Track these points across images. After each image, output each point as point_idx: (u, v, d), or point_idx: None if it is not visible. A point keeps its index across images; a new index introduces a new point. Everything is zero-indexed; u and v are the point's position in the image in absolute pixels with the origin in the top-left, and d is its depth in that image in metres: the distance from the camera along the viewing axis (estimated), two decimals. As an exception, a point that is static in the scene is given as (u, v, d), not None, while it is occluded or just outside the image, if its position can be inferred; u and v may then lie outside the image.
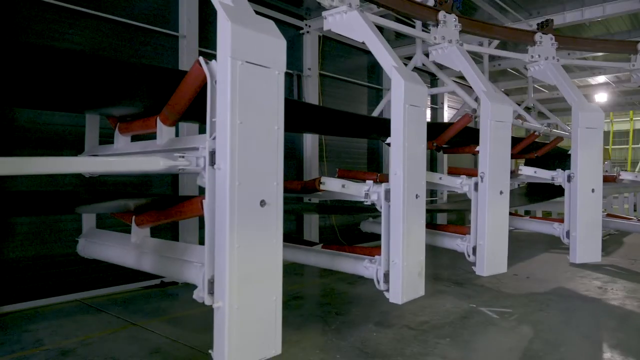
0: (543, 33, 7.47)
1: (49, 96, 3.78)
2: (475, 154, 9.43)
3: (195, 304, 6.27)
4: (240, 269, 3.15)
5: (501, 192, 5.84)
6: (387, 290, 4.64)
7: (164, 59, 7.15)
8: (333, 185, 4.85)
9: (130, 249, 4.30)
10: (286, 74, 8.29)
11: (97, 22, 6.43)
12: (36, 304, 5.89)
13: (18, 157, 2.88)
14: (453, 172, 7.72)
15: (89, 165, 3.74)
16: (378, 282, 4.68)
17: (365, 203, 4.75)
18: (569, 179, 6.73)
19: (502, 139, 5.91)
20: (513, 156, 9.78)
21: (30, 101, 4.35)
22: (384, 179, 5.83)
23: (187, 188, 7.07)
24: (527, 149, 9.30)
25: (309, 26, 9.37)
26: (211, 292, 3.21)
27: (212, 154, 3.17)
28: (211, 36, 7.79)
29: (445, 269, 8.39)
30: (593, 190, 6.59)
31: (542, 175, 7.16)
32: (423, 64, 7.73)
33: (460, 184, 5.94)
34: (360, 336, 4.94)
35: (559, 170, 6.88)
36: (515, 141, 9.84)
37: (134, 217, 4.33)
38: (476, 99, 10.22)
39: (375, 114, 9.98)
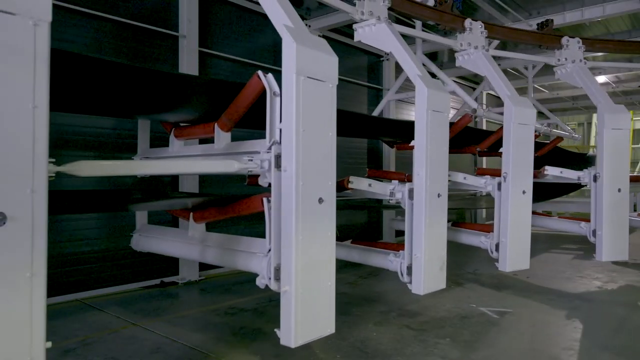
0: (570, 37, 7.73)
1: (140, 107, 4.61)
2: (475, 153, 9.45)
3: (195, 304, 6.29)
4: (303, 257, 3.59)
5: (524, 192, 6.12)
6: (410, 282, 5.06)
7: (164, 59, 7.13)
8: (360, 184, 5.23)
9: (193, 242, 4.70)
10: None
11: (98, 22, 6.42)
12: (36, 303, 5.88)
13: (126, 161, 3.64)
14: (479, 172, 8.14)
15: (177, 167, 4.42)
16: (402, 274, 5.12)
17: (390, 201, 5.19)
18: (595, 178, 6.91)
19: (524, 141, 6.18)
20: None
21: (122, 111, 5.10)
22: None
23: (186, 187, 7.07)
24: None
25: (309, 26, 9.34)
26: (277, 278, 3.62)
27: (278, 157, 3.59)
28: (211, 36, 7.79)
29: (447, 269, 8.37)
30: (619, 190, 6.76)
31: (568, 175, 7.39)
32: (423, 64, 7.73)
33: (484, 183, 6.32)
34: (360, 336, 4.93)
35: (585, 170, 7.13)
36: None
37: (191, 214, 4.69)
38: (476, 99, 10.23)
39: (375, 113, 10.00)
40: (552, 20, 8.06)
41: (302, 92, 3.53)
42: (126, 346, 4.70)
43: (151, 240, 5.31)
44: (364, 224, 10.84)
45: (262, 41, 8.56)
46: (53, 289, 6.13)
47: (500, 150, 10.01)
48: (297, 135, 3.50)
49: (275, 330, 3.66)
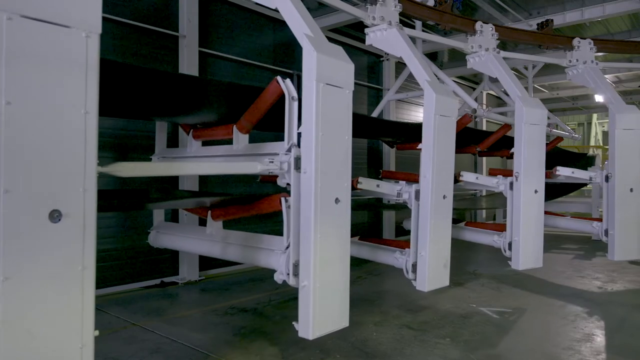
0: (581, 38, 7.86)
1: (166, 110, 4.82)
2: (475, 153, 9.46)
3: (195, 304, 6.29)
4: (321, 254, 3.81)
5: (536, 191, 6.27)
6: (415, 279, 5.26)
7: (164, 59, 7.13)
8: (369, 185, 5.51)
9: (214, 240, 4.95)
10: (286, 74, 8.56)
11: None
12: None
13: (162, 162, 4.04)
14: (491, 173, 8.35)
15: (206, 168, 4.70)
16: (407, 271, 5.30)
17: (397, 201, 5.45)
18: (607, 178, 7.02)
19: (536, 141, 6.32)
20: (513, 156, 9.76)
21: (148, 113, 5.25)
22: None
23: (186, 186, 7.07)
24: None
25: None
26: (295, 274, 3.86)
27: (297, 159, 3.84)
28: (211, 36, 7.79)
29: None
30: (632, 190, 6.88)
31: (580, 175, 7.52)
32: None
33: (497, 183, 6.52)
34: (360, 336, 4.94)
35: (598, 171, 7.28)
36: (515, 141, 9.82)
37: (209, 212, 4.92)
38: (476, 99, 10.23)
39: (375, 114, 10.00)
40: (552, 20, 8.08)
41: (322, 98, 3.74)
42: (126, 346, 4.71)
43: (170, 237, 5.55)
44: (364, 223, 10.87)
45: (262, 41, 8.58)
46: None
47: (500, 150, 9.99)
48: (317, 138, 3.73)
49: (293, 323, 3.87)
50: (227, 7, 8.05)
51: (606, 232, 7.09)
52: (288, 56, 8.99)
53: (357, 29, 9.34)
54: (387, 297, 6.60)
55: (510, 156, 9.88)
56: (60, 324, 2.37)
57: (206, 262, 7.60)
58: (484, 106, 9.97)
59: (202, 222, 6.89)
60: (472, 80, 14.46)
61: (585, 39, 7.89)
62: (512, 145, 9.72)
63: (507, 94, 11.60)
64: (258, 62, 8.45)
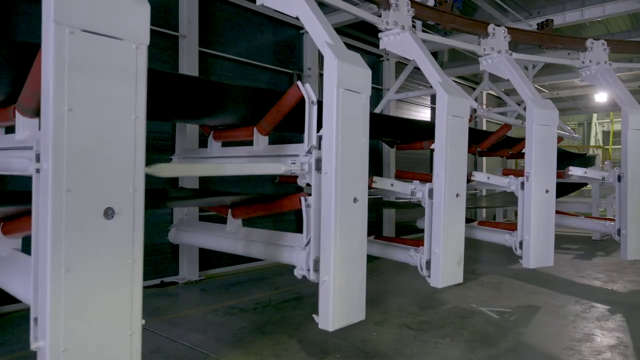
0: (594, 39, 8.04)
1: (192, 112, 5.03)
2: (475, 153, 9.46)
3: (195, 304, 6.30)
4: (340, 251, 4.06)
5: (547, 191, 6.44)
6: (429, 276, 5.44)
7: (164, 59, 7.13)
8: (383, 184, 5.77)
9: (236, 237, 5.21)
10: (286, 73, 8.57)
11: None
12: (36, 303, 5.89)
13: (197, 164, 4.66)
14: (504, 173, 8.62)
15: (235, 169, 5.03)
16: (421, 268, 5.49)
17: (411, 200, 5.66)
18: (619, 178, 7.19)
19: (546, 142, 6.50)
20: (513, 156, 9.80)
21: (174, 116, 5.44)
22: None
23: (187, 185, 7.07)
24: (527, 148, 9.26)
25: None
26: (316, 269, 4.11)
27: (318, 161, 4.08)
28: (211, 36, 7.79)
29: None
30: None
31: (592, 175, 7.73)
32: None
33: (508, 183, 6.70)
34: (360, 336, 4.95)
35: (611, 171, 7.50)
36: (515, 141, 9.87)
37: (230, 210, 5.16)
38: (476, 99, 10.23)
39: (375, 113, 9.98)
40: (552, 20, 8.11)
41: (342, 102, 3.99)
42: (126, 346, 4.69)
43: (190, 234, 5.81)
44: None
45: (262, 41, 8.59)
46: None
47: (500, 150, 9.99)
48: (337, 141, 3.98)
49: (314, 315, 4.13)
50: (227, 7, 8.10)
51: (619, 231, 7.24)
52: (288, 56, 9.02)
53: (357, 28, 9.37)
54: (387, 296, 6.61)
55: (510, 156, 9.90)
56: (113, 312, 2.63)
57: (206, 262, 7.63)
58: (484, 106, 9.99)
59: (201, 219, 6.95)
60: (472, 80, 14.52)
61: (598, 39, 8.05)
62: (512, 145, 9.75)
63: (507, 94, 11.62)
64: (258, 62, 8.49)
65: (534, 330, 5.37)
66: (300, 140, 4.37)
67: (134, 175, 2.62)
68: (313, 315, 4.13)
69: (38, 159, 2.41)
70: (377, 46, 6.47)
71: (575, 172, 7.66)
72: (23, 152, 2.97)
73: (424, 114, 13.16)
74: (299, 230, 4.29)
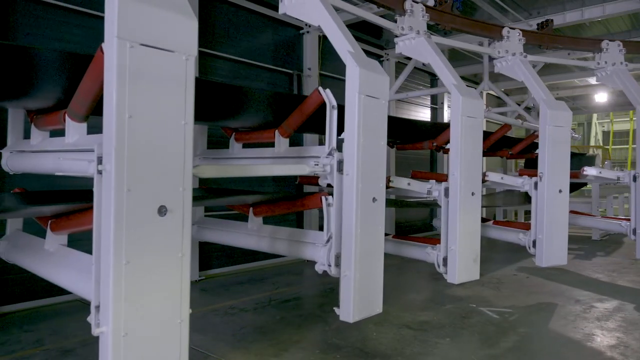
0: (610, 40, 8.28)
1: (219, 115, 5.24)
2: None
3: (195, 304, 6.30)
4: (360, 247, 4.35)
5: (560, 191, 6.63)
6: (446, 272, 5.71)
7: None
8: (400, 183, 6.09)
9: (260, 235, 5.43)
10: (286, 73, 8.58)
11: (96, 21, 6.42)
12: (36, 304, 5.98)
13: (234, 165, 5.05)
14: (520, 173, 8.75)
15: (264, 170, 5.29)
16: (438, 265, 5.75)
17: (427, 199, 5.94)
18: (635, 178, 7.41)
19: (560, 142, 6.70)
20: (513, 156, 9.82)
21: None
22: None
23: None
24: (527, 149, 9.33)
25: (309, 25, 9.37)
26: (337, 264, 4.36)
27: (340, 162, 4.37)
28: (211, 36, 7.79)
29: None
30: None
31: (607, 175, 7.90)
32: (423, 64, 7.78)
33: (522, 183, 6.89)
34: (360, 336, 4.97)
35: (626, 171, 7.72)
36: (515, 141, 9.89)
37: (251, 209, 5.39)
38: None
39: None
40: (552, 20, 8.14)
41: (363, 108, 4.27)
42: (126, 346, 4.71)
43: (213, 232, 6.00)
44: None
45: (262, 41, 8.61)
46: (53, 288, 6.13)
47: (500, 150, 10.01)
48: (358, 144, 4.28)
49: (334, 308, 4.43)
50: (226, 7, 8.13)
51: (634, 230, 7.46)
52: (288, 56, 9.03)
53: (357, 28, 9.36)
54: (386, 296, 6.59)
55: (510, 156, 9.91)
56: (165, 301, 2.87)
57: (206, 262, 7.64)
58: (484, 106, 9.97)
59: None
60: (472, 80, 14.55)
61: (614, 40, 8.30)
62: (512, 145, 9.75)
63: (507, 94, 11.63)
64: (258, 62, 8.54)
65: (534, 331, 5.38)
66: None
67: (184, 176, 2.90)
68: (334, 308, 4.42)
69: (100, 161, 2.68)
70: (377, 46, 6.49)
71: (590, 172, 7.88)
72: (79, 155, 3.23)
73: (424, 114, 13.23)
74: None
